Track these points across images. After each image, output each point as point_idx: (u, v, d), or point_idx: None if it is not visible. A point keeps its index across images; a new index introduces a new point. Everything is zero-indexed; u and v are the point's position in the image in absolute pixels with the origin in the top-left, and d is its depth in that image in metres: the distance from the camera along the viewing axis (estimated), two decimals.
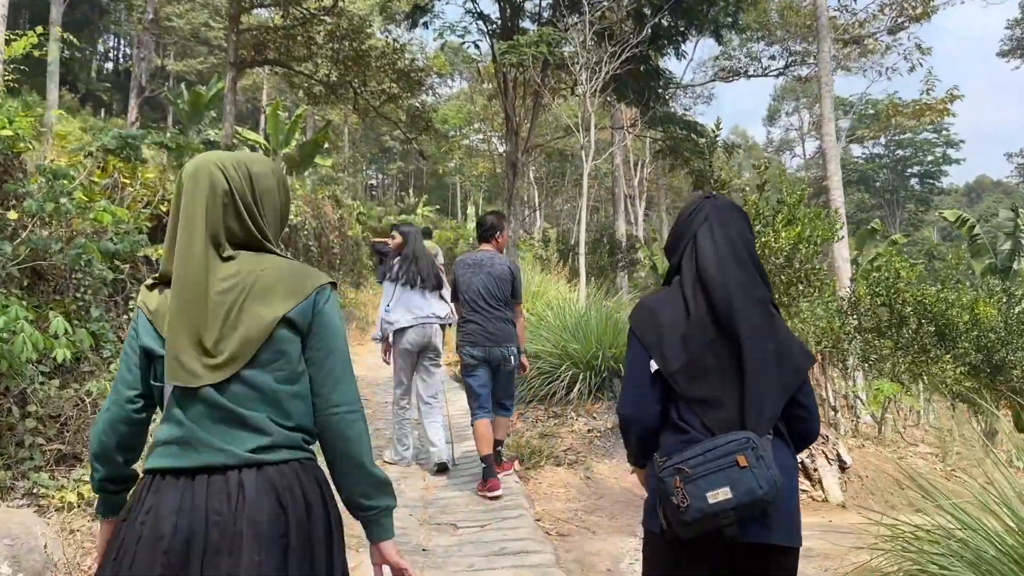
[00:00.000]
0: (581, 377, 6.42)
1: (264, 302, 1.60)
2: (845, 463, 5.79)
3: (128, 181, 5.65)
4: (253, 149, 32.43)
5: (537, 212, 37.68)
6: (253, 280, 1.61)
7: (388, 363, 5.71)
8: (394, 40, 23.49)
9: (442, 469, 5.40)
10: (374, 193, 59.46)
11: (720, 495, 1.68)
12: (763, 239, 6.54)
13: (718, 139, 7.00)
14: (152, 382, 1.65)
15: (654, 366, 1.86)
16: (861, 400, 9.54)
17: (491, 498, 4.77)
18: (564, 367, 6.48)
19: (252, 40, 20.89)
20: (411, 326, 5.32)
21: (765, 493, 1.69)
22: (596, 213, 48.14)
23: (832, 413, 7.40)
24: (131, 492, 1.63)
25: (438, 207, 53.59)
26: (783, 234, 6.48)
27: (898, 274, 9.45)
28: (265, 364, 1.58)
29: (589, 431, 5.92)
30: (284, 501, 1.52)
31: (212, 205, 1.63)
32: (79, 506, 3.62)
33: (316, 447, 1.71)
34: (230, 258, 1.64)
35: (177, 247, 1.61)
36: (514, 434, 5.75)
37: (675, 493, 1.71)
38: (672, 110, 20.15)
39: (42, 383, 4.22)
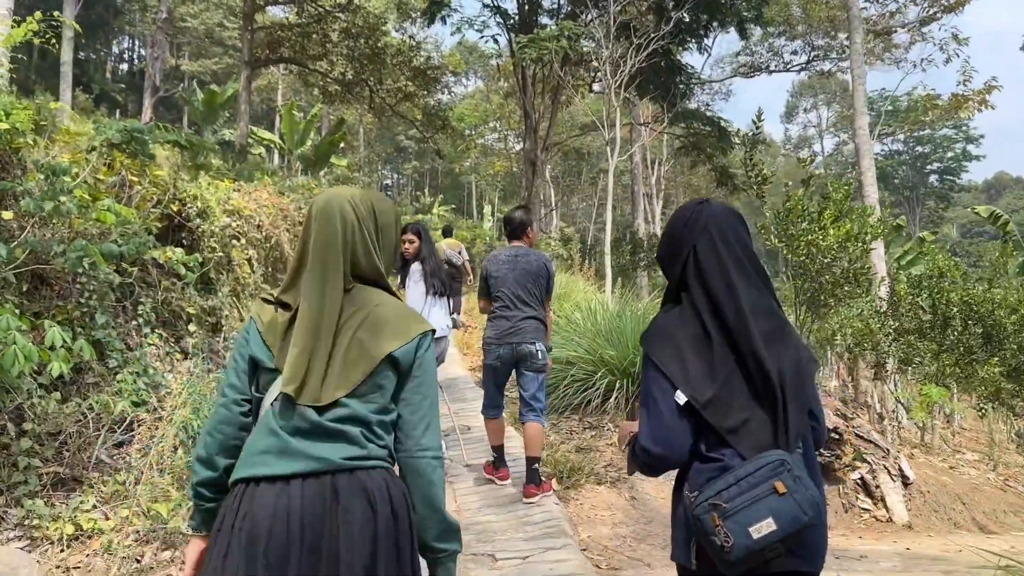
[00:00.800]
0: (618, 385, 5.97)
1: (376, 337, 1.69)
2: (908, 478, 5.33)
3: (137, 179, 5.32)
4: (268, 149, 32.26)
5: (554, 211, 37.34)
6: (367, 313, 1.72)
7: None
8: (410, 38, 23.29)
9: None
10: (389, 193, 59.35)
11: (764, 528, 1.58)
12: (808, 237, 6.12)
13: (760, 132, 6.58)
14: (253, 392, 1.73)
15: (681, 398, 1.74)
16: (903, 405, 9.09)
17: (497, 480, 4.91)
18: (600, 374, 6.04)
19: (266, 38, 20.71)
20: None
21: (811, 518, 1.61)
22: (613, 212, 47.51)
23: (879, 420, 6.96)
24: (223, 504, 1.67)
25: (453, 206, 53.35)
26: (831, 232, 6.06)
27: (942, 273, 8.98)
28: (362, 395, 1.67)
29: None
30: (375, 503, 1.60)
31: (344, 239, 1.73)
32: (77, 539, 3.26)
33: None
34: (350, 289, 1.74)
35: (308, 276, 1.71)
36: (548, 447, 5.36)
37: (716, 532, 1.60)
38: (693, 106, 19.69)
39: (41, 397, 3.88)
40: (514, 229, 5.04)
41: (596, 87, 22.21)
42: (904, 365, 8.29)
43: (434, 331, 1.80)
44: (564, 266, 16.53)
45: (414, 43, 22.20)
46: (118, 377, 4.50)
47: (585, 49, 18.43)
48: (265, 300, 1.80)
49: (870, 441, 5.15)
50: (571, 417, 6.16)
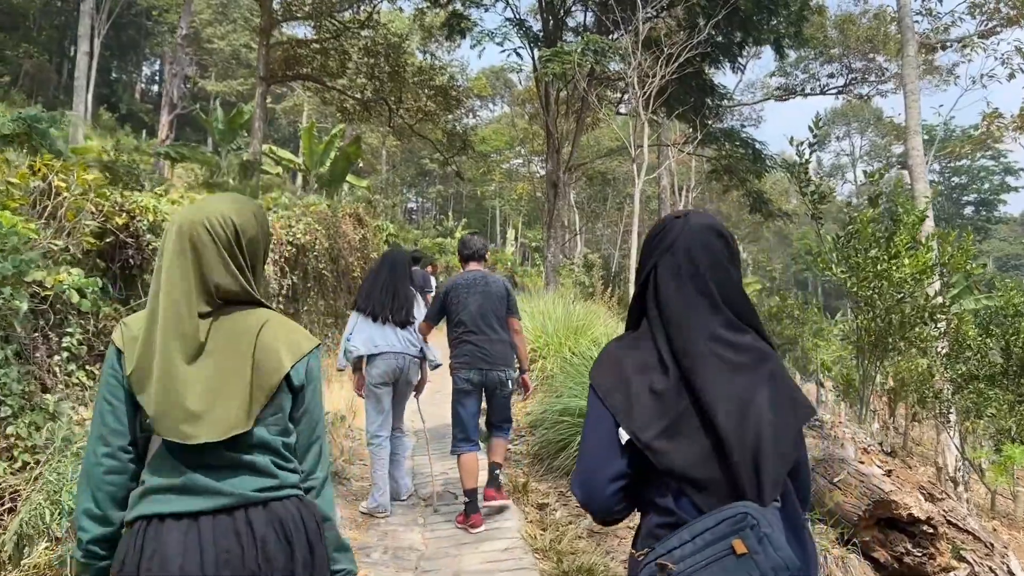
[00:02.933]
0: None
1: (271, 356, 1.63)
2: None
3: (64, 186, 4.41)
4: (288, 168, 31.73)
5: (578, 237, 36.56)
6: (255, 334, 1.63)
7: (361, 395, 5.11)
8: (431, 55, 22.76)
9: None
10: (413, 216, 59.08)
11: None
12: (877, 267, 5.05)
13: (818, 140, 5.53)
14: (139, 432, 1.62)
15: (624, 436, 1.51)
16: (971, 465, 7.92)
17: (470, 528, 4.46)
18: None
19: (283, 55, 20.26)
20: (379, 353, 4.84)
21: None
22: (639, 239, 46.88)
23: (952, 486, 5.81)
24: (119, 545, 1.56)
25: (476, 231, 52.66)
26: (907, 263, 4.96)
27: (1017, 311, 7.81)
28: (265, 420, 1.61)
29: None
30: (289, 534, 1.56)
31: (201, 263, 1.63)
32: None
33: None
34: (219, 315, 1.64)
35: (163, 305, 1.59)
36: (551, 529, 4.27)
37: None
38: (726, 127, 18.70)
39: None
40: (476, 252, 5.02)
41: (623, 108, 21.46)
42: (976, 418, 7.13)
43: (318, 345, 1.73)
44: (584, 294, 15.50)
45: (436, 62, 21.72)
46: (7, 430, 3.57)
47: (612, 68, 17.60)
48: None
49: (967, 531, 4.02)
50: None
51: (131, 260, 5.16)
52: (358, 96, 21.11)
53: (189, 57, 37.46)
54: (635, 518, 1.60)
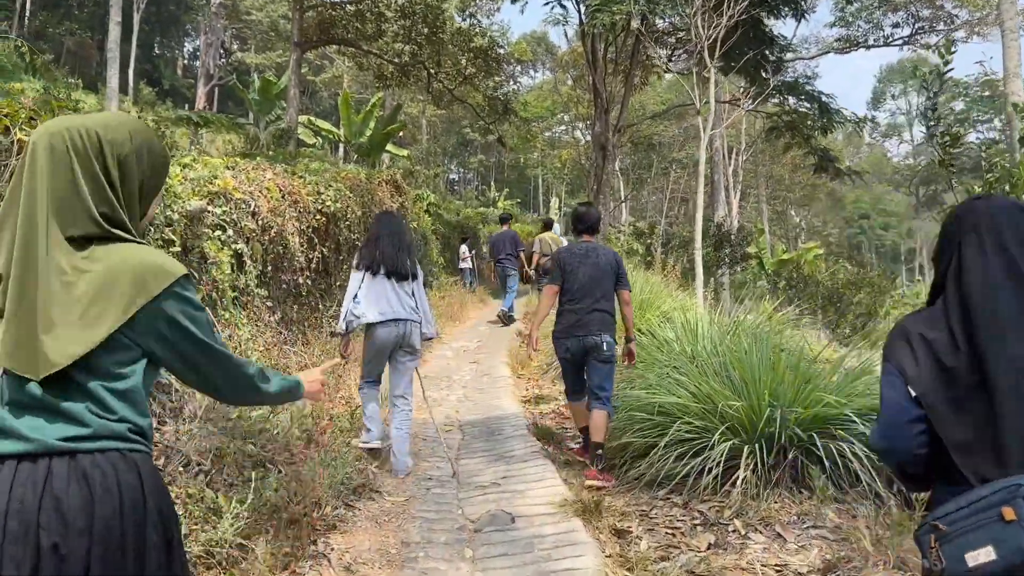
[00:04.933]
0: (746, 453, 3.74)
1: (104, 304, 1.45)
2: None
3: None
4: (327, 140, 31.11)
5: (623, 204, 35.45)
6: (97, 277, 1.45)
7: (345, 359, 5.19)
8: (471, 15, 21.79)
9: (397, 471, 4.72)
10: (455, 187, 58.46)
11: (981, 556, 1.43)
12: None
13: (949, 69, 4.45)
14: None
15: (913, 392, 1.60)
16: None
17: (598, 488, 4.30)
18: (717, 435, 3.82)
19: (318, 18, 19.52)
20: (382, 321, 4.78)
21: None
22: (684, 204, 46.05)
23: None
24: None
25: (519, 200, 52.13)
26: None
27: None
28: (92, 364, 1.46)
29: (781, 569, 3.07)
30: (95, 491, 1.41)
31: (53, 183, 1.45)
32: None
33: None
34: (80, 247, 1.47)
35: (18, 230, 1.44)
36: (625, 543, 3.38)
37: (928, 555, 1.52)
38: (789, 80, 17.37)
39: None
40: (590, 224, 5.19)
41: (673, 67, 20.28)
42: None
43: (187, 275, 1.52)
44: (640, 263, 14.49)
45: (476, 24, 20.78)
46: None
47: (661, 25, 16.43)
48: None
49: None
50: (670, 498, 3.88)
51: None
52: (395, 60, 20.31)
53: (226, 28, 36.95)
54: None
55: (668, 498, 3.91)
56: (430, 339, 5.22)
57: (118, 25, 20.80)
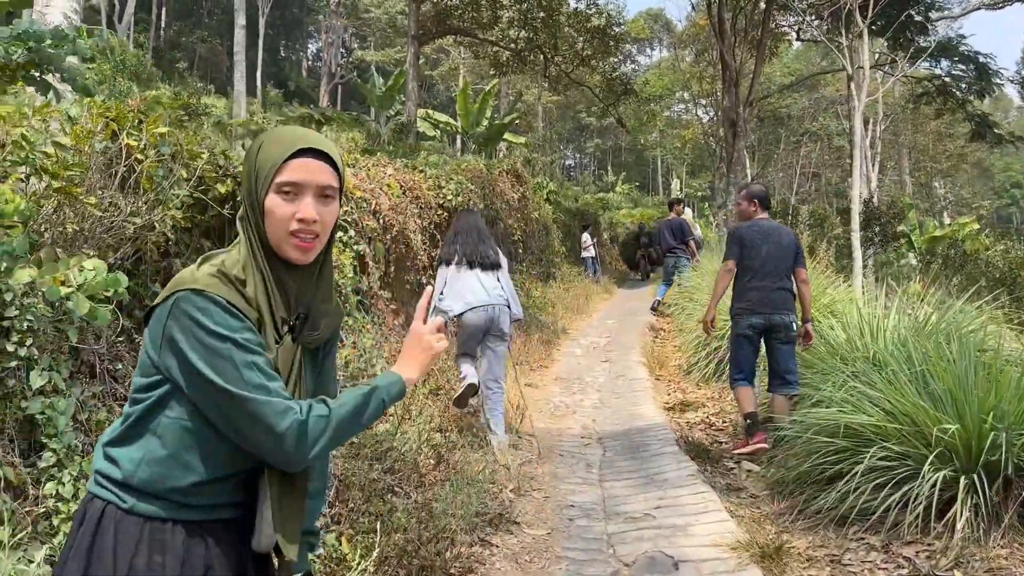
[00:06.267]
0: (963, 486, 3.01)
1: None
2: None
3: (136, 144, 3.40)
4: (445, 132, 31.27)
5: (754, 182, 33.76)
6: None
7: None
8: None
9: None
10: (571, 173, 57.94)
11: None
12: None
13: None
14: None
15: None
16: None
17: (748, 454, 4.68)
18: (927, 465, 3.11)
19: (434, 10, 19.49)
20: (471, 308, 4.92)
21: None
22: (816, 179, 43.75)
23: None
24: None
25: (637, 184, 50.98)
26: None
27: None
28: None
29: None
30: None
31: None
32: None
33: None
34: None
35: None
36: None
37: None
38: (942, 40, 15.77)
39: None
40: (767, 201, 5.30)
41: (804, 34, 18.89)
42: None
43: (196, 290, 1.24)
44: None
45: (593, 2, 20.16)
46: (46, 487, 2.60)
47: None
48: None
49: None
50: (864, 539, 3.18)
51: None
52: (512, 47, 20.09)
53: (345, 27, 37.77)
54: None
55: (862, 538, 3.24)
56: (518, 320, 5.33)
57: (243, 29, 21.55)
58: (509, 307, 5.04)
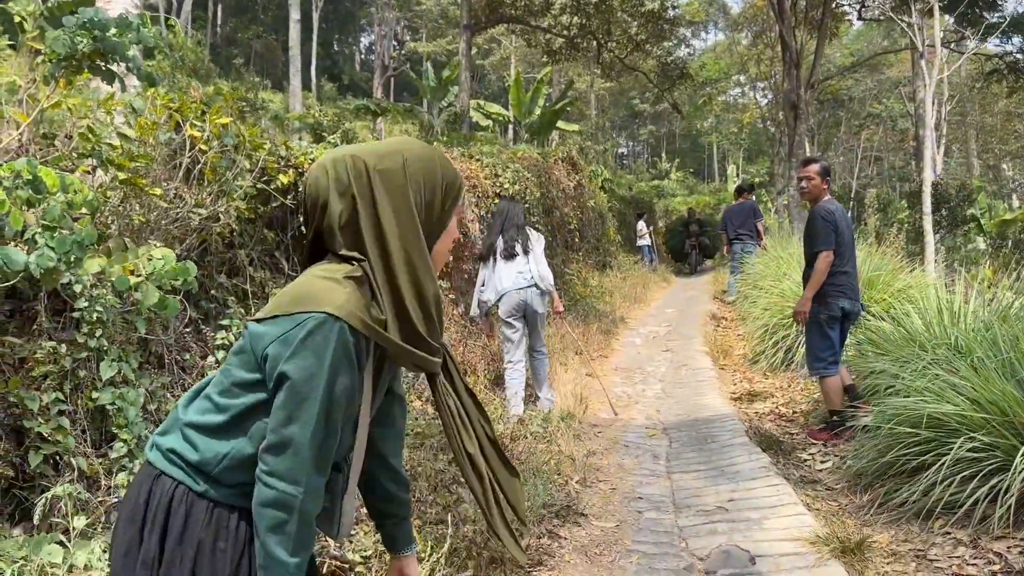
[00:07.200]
0: None
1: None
2: None
3: (199, 135, 3.41)
4: (497, 122, 31.23)
5: None
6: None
7: (491, 338, 6.12)
8: None
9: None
10: (624, 161, 57.38)
11: None
12: None
13: None
14: None
15: None
16: None
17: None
18: (1020, 457, 2.89)
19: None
20: (504, 294, 5.39)
21: None
22: (877, 163, 42.48)
23: None
24: None
25: (692, 170, 50.19)
26: None
27: None
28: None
29: None
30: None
31: (310, 212, 1.36)
32: None
33: None
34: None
35: None
36: None
37: None
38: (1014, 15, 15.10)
39: None
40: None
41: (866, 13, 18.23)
42: None
43: (332, 315, 1.19)
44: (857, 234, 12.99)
45: None
46: (117, 477, 2.61)
47: None
48: None
49: None
50: (950, 533, 3.02)
51: (303, 228, 4.10)
52: (564, 34, 19.94)
53: (398, 19, 38.00)
54: None
55: (948, 533, 3.07)
56: (551, 290, 5.57)
57: (297, 24, 21.78)
58: (538, 287, 5.41)
